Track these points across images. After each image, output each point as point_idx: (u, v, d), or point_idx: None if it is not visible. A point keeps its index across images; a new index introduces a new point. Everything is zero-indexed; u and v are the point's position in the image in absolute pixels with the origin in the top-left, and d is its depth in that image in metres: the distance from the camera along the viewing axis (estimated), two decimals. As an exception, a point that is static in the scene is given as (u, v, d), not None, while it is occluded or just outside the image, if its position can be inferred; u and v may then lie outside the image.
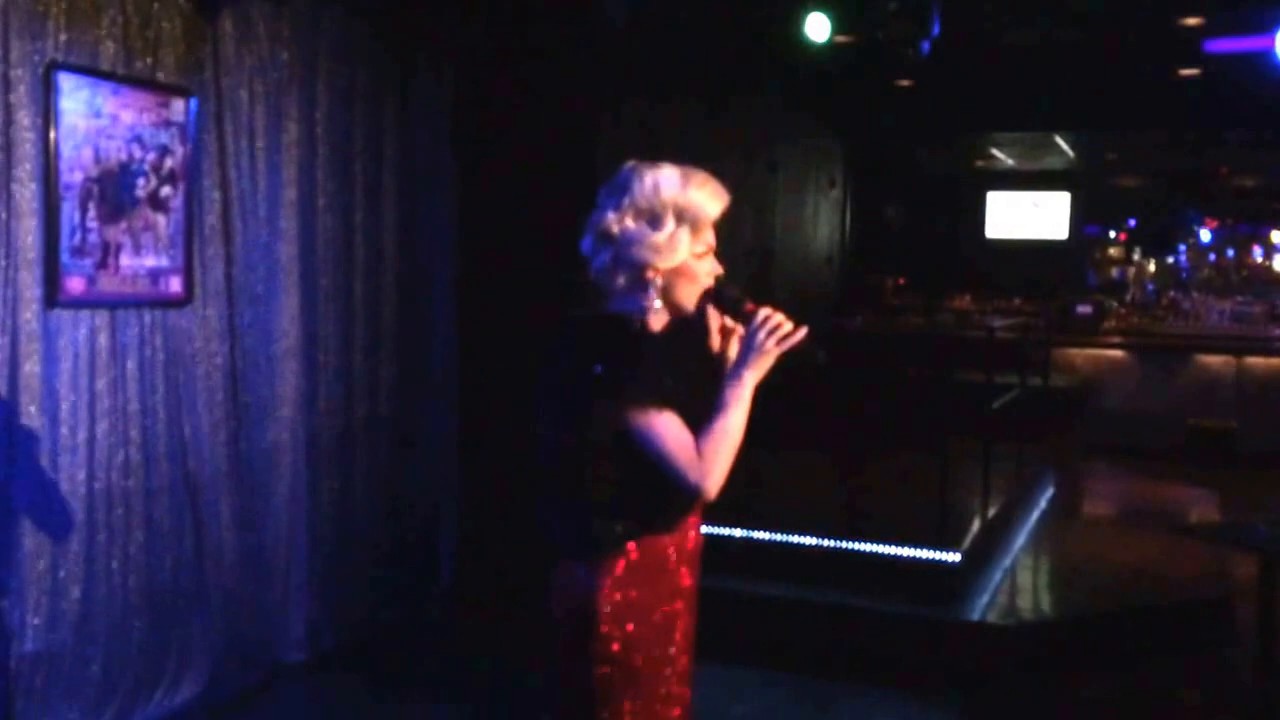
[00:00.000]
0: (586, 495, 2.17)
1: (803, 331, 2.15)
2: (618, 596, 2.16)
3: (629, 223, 2.14)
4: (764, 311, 2.16)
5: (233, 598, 4.50)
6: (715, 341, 2.32)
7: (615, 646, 2.16)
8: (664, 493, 2.14)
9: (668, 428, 2.09)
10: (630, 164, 2.19)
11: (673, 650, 2.24)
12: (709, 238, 2.20)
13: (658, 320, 2.22)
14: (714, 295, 2.22)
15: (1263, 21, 6.50)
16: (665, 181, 2.15)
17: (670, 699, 2.25)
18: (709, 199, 2.17)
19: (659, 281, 2.17)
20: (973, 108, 9.89)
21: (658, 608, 2.20)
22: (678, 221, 2.14)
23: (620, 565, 2.16)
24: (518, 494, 5.41)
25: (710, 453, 2.11)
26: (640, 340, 2.16)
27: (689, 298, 2.20)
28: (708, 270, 2.21)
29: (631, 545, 2.17)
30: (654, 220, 2.14)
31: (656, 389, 2.09)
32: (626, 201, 2.15)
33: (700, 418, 2.15)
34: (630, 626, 2.16)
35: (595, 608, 2.15)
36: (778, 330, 2.14)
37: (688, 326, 2.27)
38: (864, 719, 4.52)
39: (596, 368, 2.10)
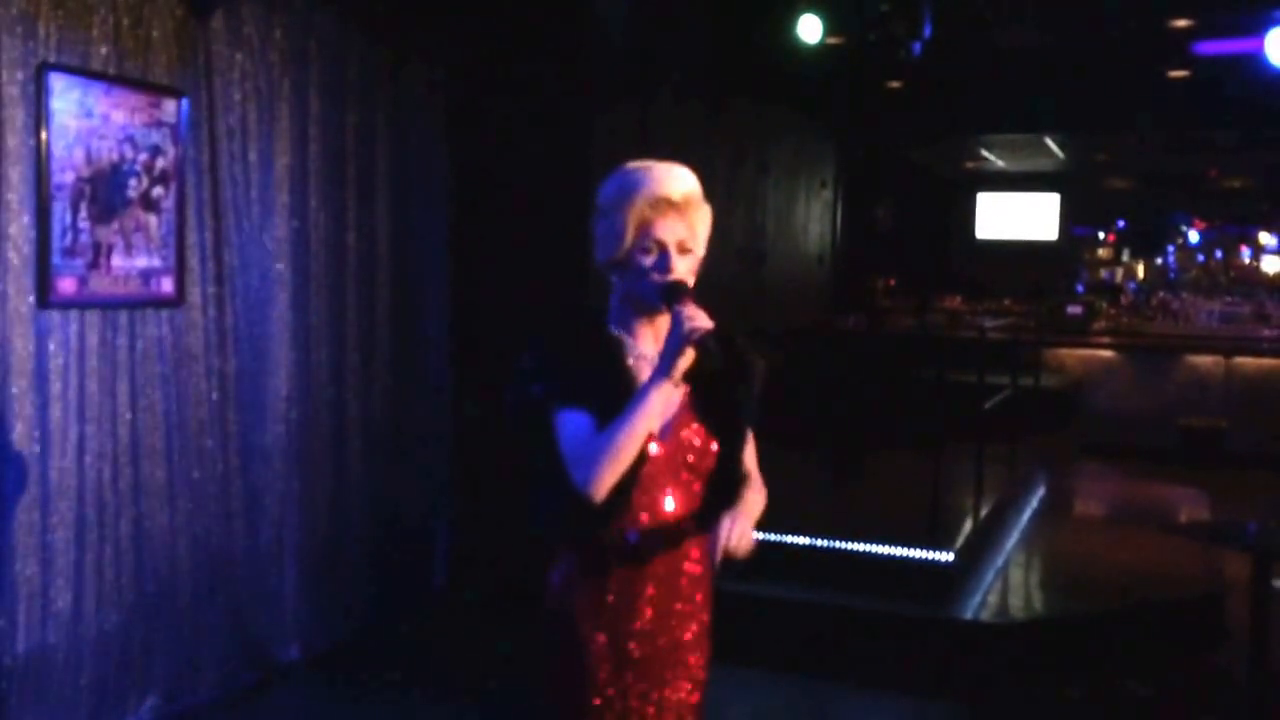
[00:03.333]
0: (527, 487, 2.19)
1: (707, 324, 2.02)
2: (561, 591, 2.19)
3: (595, 223, 2.17)
4: (679, 307, 2.05)
5: (227, 598, 4.49)
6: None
7: (560, 639, 2.18)
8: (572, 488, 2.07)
9: (565, 424, 2.07)
10: None
11: (620, 660, 2.17)
12: (659, 230, 2.10)
13: (635, 319, 2.19)
14: (663, 291, 2.10)
15: (1252, 23, 6.53)
16: (612, 176, 2.16)
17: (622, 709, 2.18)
18: (639, 182, 2.10)
19: (616, 278, 2.17)
20: (963, 109, 9.91)
21: (604, 607, 2.16)
22: (612, 211, 2.12)
23: (563, 559, 2.20)
24: (511, 493, 5.42)
25: (594, 453, 2.04)
26: (573, 336, 2.16)
27: (644, 292, 2.14)
28: (653, 265, 2.10)
29: (572, 536, 2.17)
30: (602, 216, 2.15)
31: (566, 387, 2.07)
32: (595, 203, 2.18)
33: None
34: (574, 621, 2.17)
35: (544, 600, 2.22)
36: (685, 323, 2.02)
37: (665, 326, 2.22)
38: (857, 718, 4.54)
39: (522, 362, 2.12)
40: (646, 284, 2.11)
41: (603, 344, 2.17)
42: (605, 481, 2.04)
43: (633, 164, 2.16)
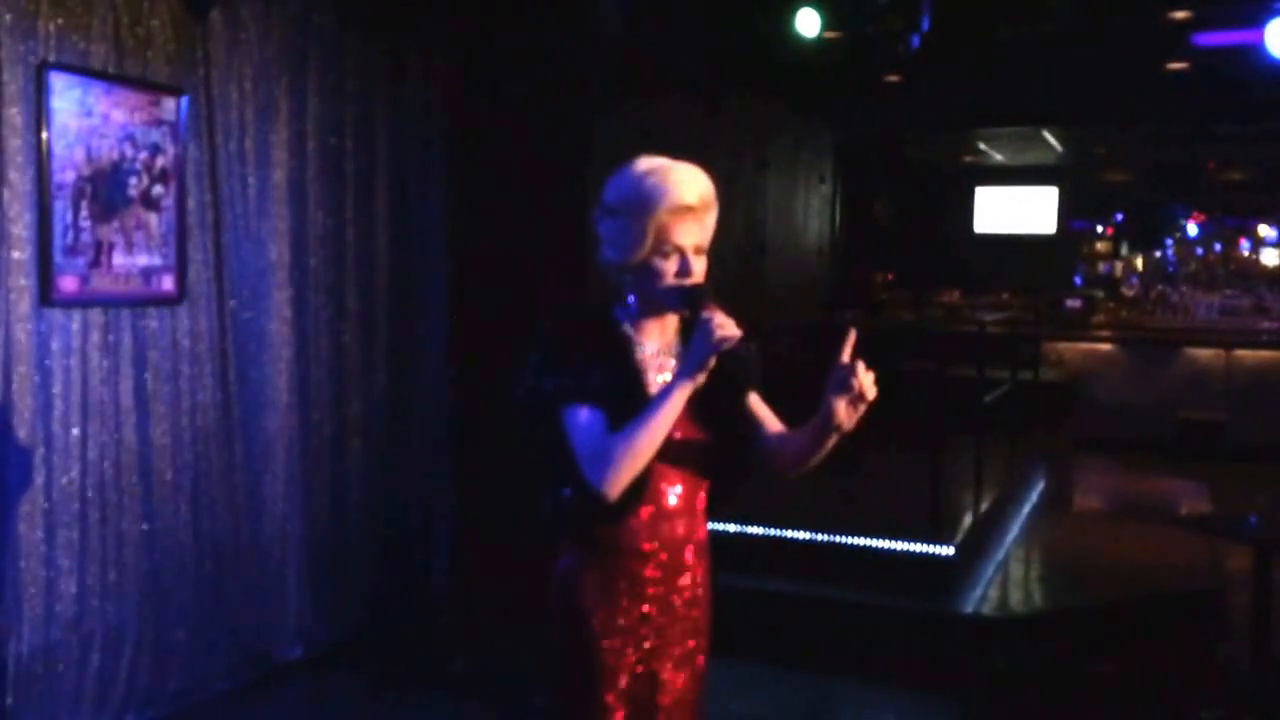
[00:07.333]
0: (537, 481, 2.20)
1: (737, 333, 2.03)
2: (566, 581, 2.19)
3: (601, 221, 2.16)
4: (707, 313, 2.05)
5: (228, 596, 4.50)
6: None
7: (559, 632, 2.19)
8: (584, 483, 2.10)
9: (577, 422, 2.07)
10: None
11: (631, 652, 2.19)
12: (678, 235, 2.10)
13: (645, 319, 2.19)
14: (686, 295, 2.12)
15: (1251, 14, 6.51)
16: (623, 175, 2.13)
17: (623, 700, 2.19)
18: (659, 189, 2.07)
19: (629, 279, 2.15)
20: (961, 103, 9.89)
21: (613, 599, 2.17)
22: (627, 215, 2.10)
23: (569, 551, 2.20)
24: (512, 490, 5.42)
25: (611, 452, 2.05)
26: (582, 332, 2.15)
27: (664, 296, 2.14)
28: (674, 269, 2.11)
29: (581, 531, 2.17)
30: (611, 215, 2.13)
31: (577, 383, 2.07)
32: (601, 200, 2.16)
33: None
34: (577, 614, 2.17)
35: (548, 590, 2.22)
36: (715, 331, 2.03)
37: (674, 326, 2.25)
38: (858, 712, 4.55)
39: (531, 356, 2.12)
40: (666, 288, 2.12)
41: (612, 340, 2.18)
42: (623, 481, 2.06)
43: (644, 163, 2.13)
